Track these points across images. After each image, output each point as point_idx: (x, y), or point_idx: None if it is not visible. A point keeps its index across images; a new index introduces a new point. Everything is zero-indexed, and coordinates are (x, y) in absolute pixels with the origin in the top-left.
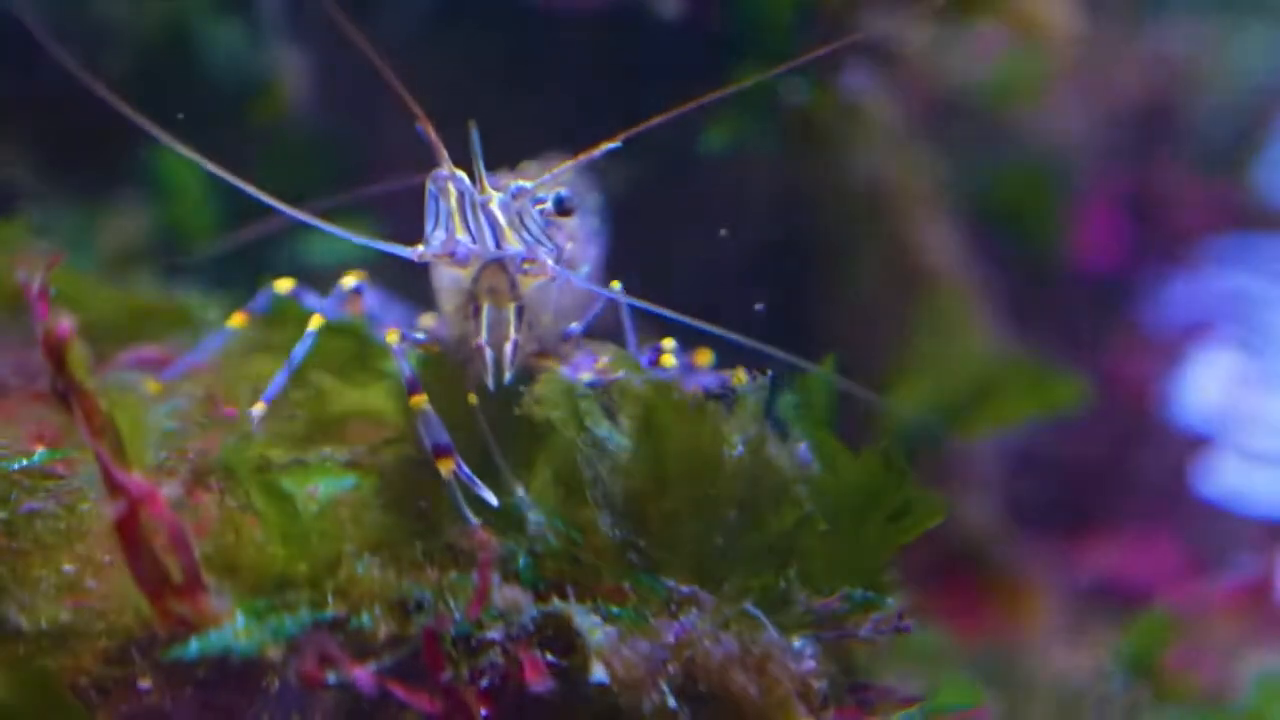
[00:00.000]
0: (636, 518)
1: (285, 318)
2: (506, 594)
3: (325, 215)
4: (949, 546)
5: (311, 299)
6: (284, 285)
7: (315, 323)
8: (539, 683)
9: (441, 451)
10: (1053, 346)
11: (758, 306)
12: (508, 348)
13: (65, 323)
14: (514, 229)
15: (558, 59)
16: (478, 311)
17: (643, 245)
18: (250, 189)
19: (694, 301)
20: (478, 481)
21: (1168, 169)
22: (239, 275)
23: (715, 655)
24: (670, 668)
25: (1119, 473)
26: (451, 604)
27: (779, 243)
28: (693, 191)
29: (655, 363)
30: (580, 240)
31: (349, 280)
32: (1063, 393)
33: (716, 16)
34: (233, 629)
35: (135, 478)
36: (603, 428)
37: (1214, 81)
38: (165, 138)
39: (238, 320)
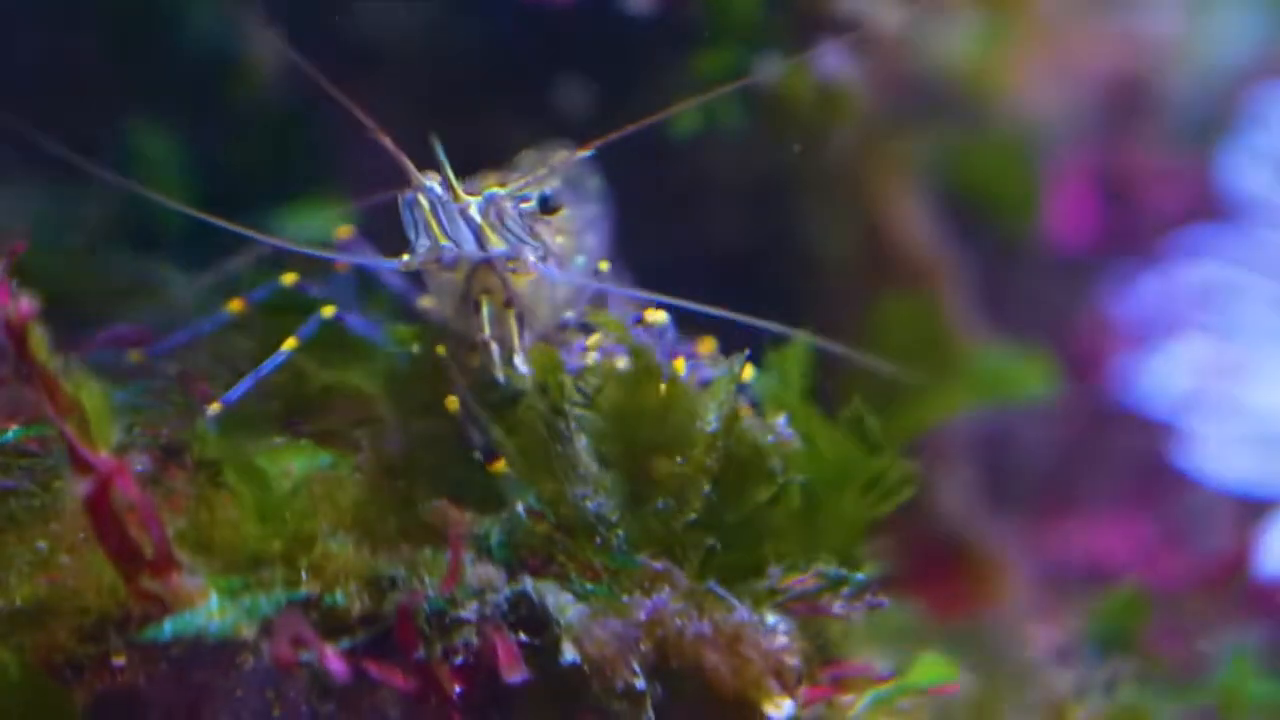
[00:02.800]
0: (609, 491)
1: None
2: (480, 571)
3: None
4: (923, 524)
5: (315, 292)
6: (289, 278)
7: (289, 344)
8: (513, 672)
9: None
10: (1025, 326)
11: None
12: (518, 360)
13: (25, 305)
14: (495, 230)
15: (534, 52)
16: (477, 308)
17: (619, 231)
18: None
19: (667, 284)
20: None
21: (1141, 148)
22: (215, 253)
23: (687, 633)
24: (642, 646)
25: (1092, 452)
26: (425, 581)
27: (751, 226)
28: (663, 175)
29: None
30: (573, 232)
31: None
32: (1034, 377)
33: (687, 8)
34: (206, 608)
35: (102, 455)
36: (577, 403)
37: (1188, 60)
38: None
39: (236, 306)
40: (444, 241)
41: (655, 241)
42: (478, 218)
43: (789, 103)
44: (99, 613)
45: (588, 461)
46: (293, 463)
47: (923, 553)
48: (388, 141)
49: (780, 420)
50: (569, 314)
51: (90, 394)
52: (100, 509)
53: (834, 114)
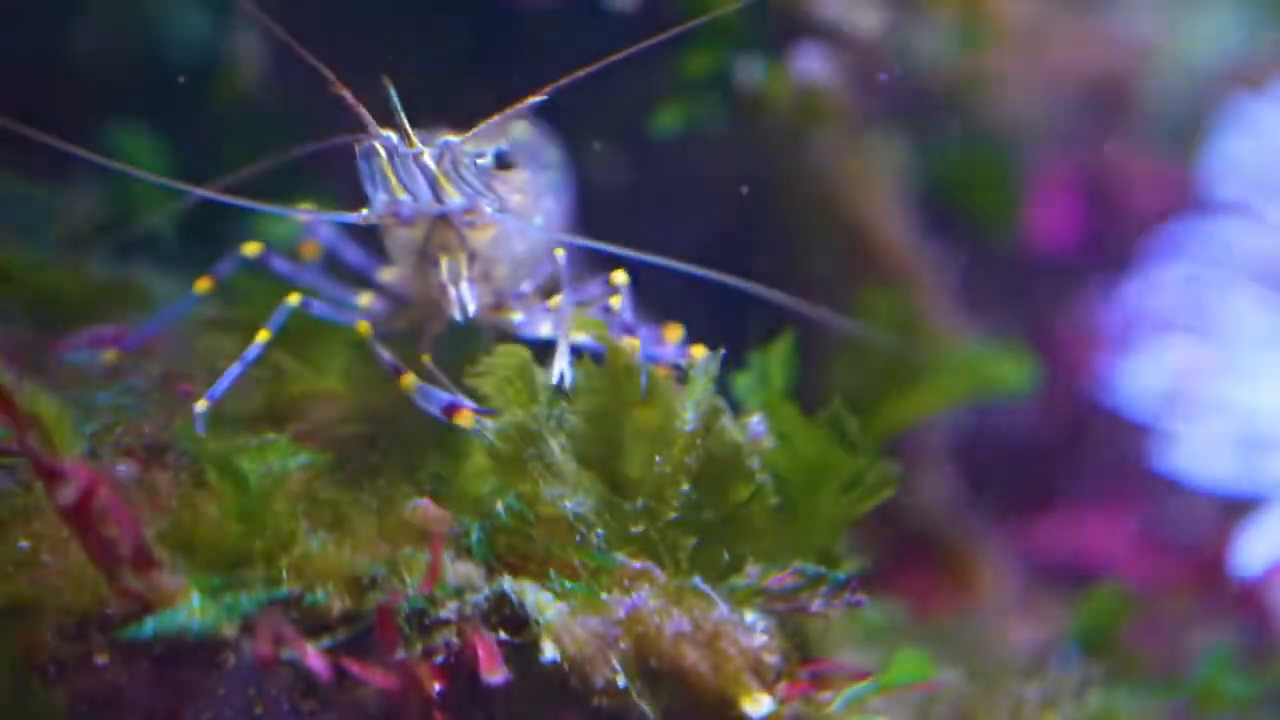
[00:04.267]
0: (587, 490)
1: (245, 296)
2: (459, 570)
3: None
4: (903, 523)
5: (279, 263)
6: (252, 249)
7: (262, 336)
8: (493, 673)
9: (452, 410)
10: (1007, 328)
11: None
12: (464, 286)
13: None
14: (450, 180)
15: (519, 51)
16: (436, 265)
17: (599, 229)
18: (158, 178)
19: (652, 281)
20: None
21: (1122, 151)
22: (195, 253)
23: (667, 631)
24: (622, 644)
25: (1074, 452)
26: (406, 580)
27: (732, 226)
28: (645, 175)
29: (605, 296)
30: (531, 194)
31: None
32: (1010, 371)
33: (668, 4)
34: (188, 607)
35: (68, 461)
36: (554, 405)
37: (1169, 63)
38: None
39: (204, 285)
40: (401, 195)
41: (634, 239)
42: (432, 165)
43: (769, 103)
44: (81, 612)
45: (564, 461)
46: (273, 461)
47: (903, 550)
48: (346, 93)
49: (754, 419)
50: (526, 286)
51: (46, 405)
52: (78, 511)
53: (813, 115)
